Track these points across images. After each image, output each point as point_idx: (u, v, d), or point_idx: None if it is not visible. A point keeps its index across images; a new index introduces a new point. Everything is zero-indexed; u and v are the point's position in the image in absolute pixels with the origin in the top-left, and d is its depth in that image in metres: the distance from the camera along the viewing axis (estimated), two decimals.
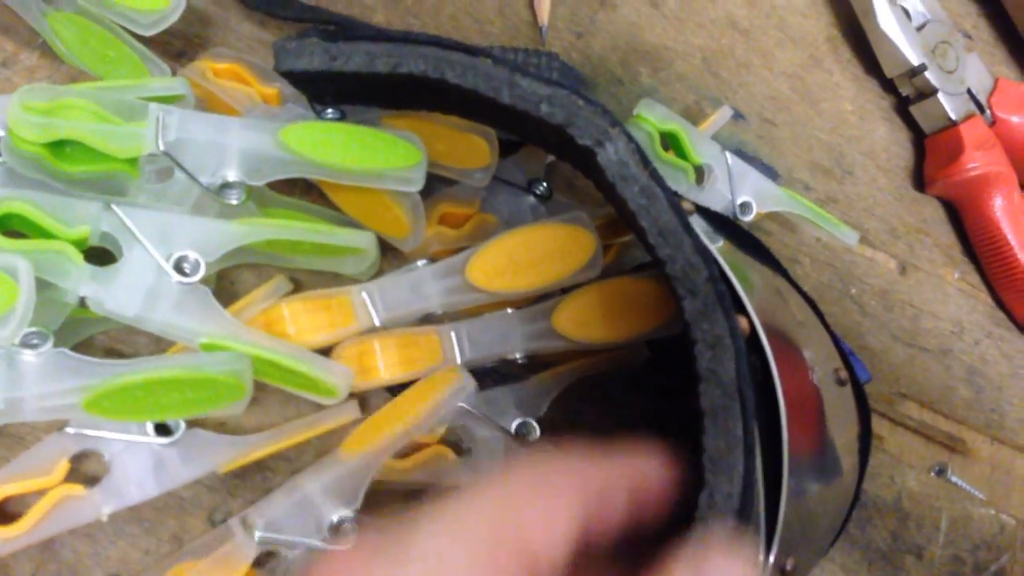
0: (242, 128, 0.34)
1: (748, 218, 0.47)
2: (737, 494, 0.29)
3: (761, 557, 0.35)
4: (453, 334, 0.37)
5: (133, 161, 0.33)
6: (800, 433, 0.38)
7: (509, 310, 0.38)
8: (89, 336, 0.35)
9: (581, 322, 0.37)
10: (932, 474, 0.49)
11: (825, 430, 0.42)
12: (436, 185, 0.40)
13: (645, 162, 0.33)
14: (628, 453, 0.27)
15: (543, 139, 0.37)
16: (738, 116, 0.54)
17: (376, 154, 0.34)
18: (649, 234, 0.32)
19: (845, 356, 0.46)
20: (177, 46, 0.42)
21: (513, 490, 0.24)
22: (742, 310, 0.38)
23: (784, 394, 0.37)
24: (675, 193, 0.34)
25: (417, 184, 0.35)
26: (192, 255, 0.33)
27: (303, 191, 0.39)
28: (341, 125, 0.35)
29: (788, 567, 0.36)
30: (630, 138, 0.33)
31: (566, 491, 0.24)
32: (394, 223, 0.37)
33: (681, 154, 0.46)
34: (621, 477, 0.26)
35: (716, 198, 0.47)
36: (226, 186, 0.34)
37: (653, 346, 0.41)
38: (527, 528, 0.23)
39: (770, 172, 0.54)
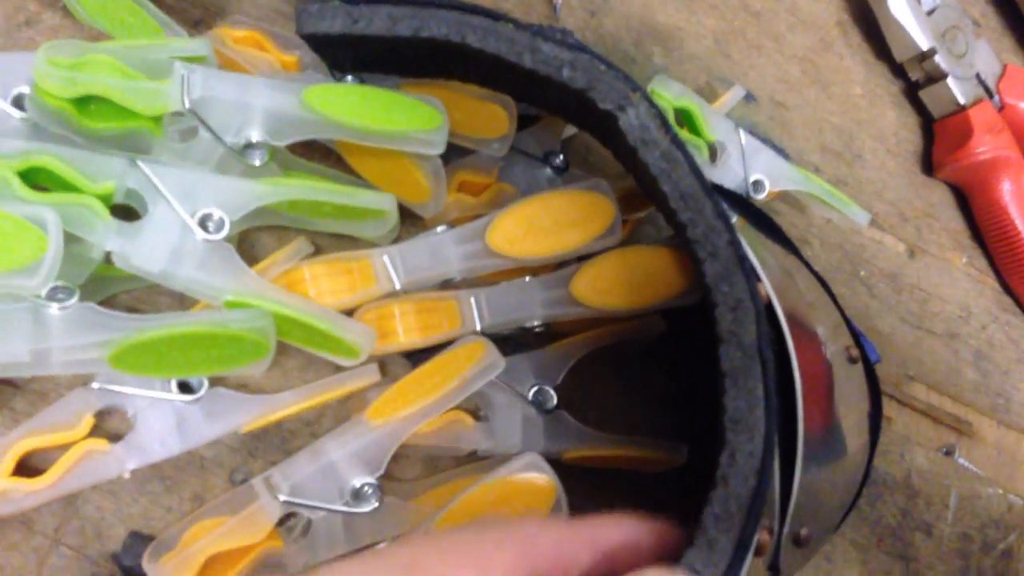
0: (266, 88, 0.34)
1: (760, 196, 0.48)
2: (759, 453, 0.29)
3: (776, 526, 0.35)
4: (472, 299, 0.37)
5: (157, 119, 0.33)
6: (810, 409, 0.39)
7: (527, 277, 0.38)
8: (112, 295, 0.35)
9: (599, 289, 0.37)
10: (941, 453, 0.50)
11: (833, 408, 0.42)
12: (454, 154, 0.40)
13: (666, 127, 0.33)
14: (592, 522, 0.27)
15: (562, 106, 0.37)
16: (749, 98, 0.54)
17: (399, 116, 0.34)
18: (671, 198, 0.32)
19: (856, 335, 0.47)
20: (195, 14, 0.42)
21: (442, 542, 0.24)
22: (759, 281, 0.38)
23: (798, 366, 0.37)
24: None
25: (439, 147, 0.35)
26: (217, 213, 0.33)
27: (322, 157, 0.39)
28: (364, 88, 0.35)
29: (803, 535, 0.36)
30: (651, 103, 0.33)
31: (509, 548, 0.24)
32: (415, 188, 0.37)
33: (695, 131, 0.46)
34: (581, 539, 0.25)
35: (729, 176, 0.47)
36: (249, 146, 0.34)
37: (669, 318, 0.41)
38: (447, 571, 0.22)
39: (781, 153, 0.54)
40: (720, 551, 0.26)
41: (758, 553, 0.30)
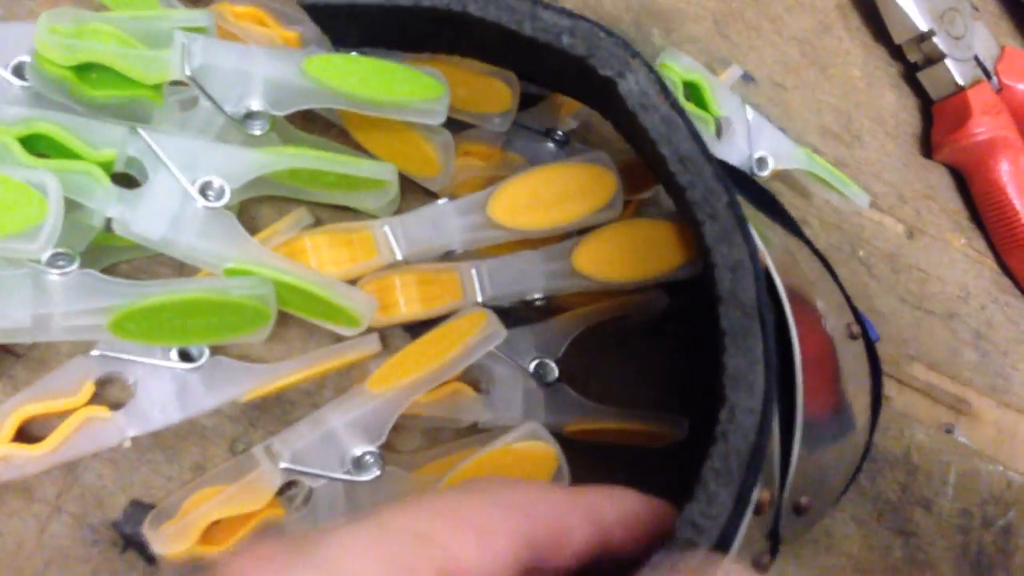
0: (267, 57, 0.34)
1: (764, 173, 0.48)
2: (758, 409, 0.29)
3: (776, 493, 0.35)
4: (474, 271, 0.37)
5: (157, 88, 0.33)
6: (815, 381, 0.39)
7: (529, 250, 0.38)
8: (112, 265, 0.35)
9: (601, 261, 0.37)
10: (941, 431, 0.50)
11: (841, 384, 0.42)
12: (457, 129, 0.40)
13: (666, 92, 0.33)
14: (592, 492, 0.26)
15: (562, 76, 0.37)
16: (748, 78, 0.54)
17: (399, 86, 0.34)
18: (670, 161, 0.32)
19: (857, 312, 0.47)
20: None
21: (449, 505, 0.23)
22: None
23: (798, 340, 0.37)
24: None
25: (440, 116, 0.35)
26: (217, 181, 0.33)
27: (322, 131, 0.39)
28: (365, 58, 0.35)
29: (803, 503, 0.36)
30: (650, 69, 0.33)
31: (511, 515, 0.23)
32: (423, 162, 0.37)
33: (702, 105, 0.46)
34: (580, 510, 0.25)
35: (734, 152, 0.47)
36: (250, 116, 0.34)
37: (672, 294, 0.41)
38: (455, 548, 0.22)
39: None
40: (720, 505, 0.26)
41: (758, 511, 0.30)
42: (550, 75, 0.38)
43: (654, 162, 0.34)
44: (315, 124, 0.39)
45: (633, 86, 0.32)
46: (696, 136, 0.32)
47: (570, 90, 0.39)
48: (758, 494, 0.28)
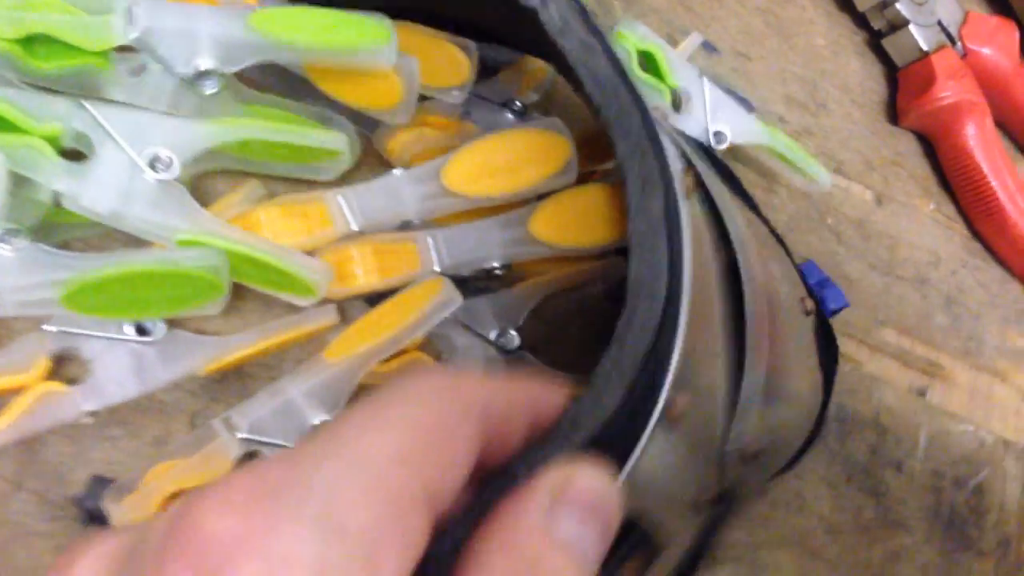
0: (212, 14, 0.33)
1: (722, 147, 0.48)
2: (657, 314, 0.28)
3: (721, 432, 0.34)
4: (430, 240, 0.37)
5: (105, 54, 0.33)
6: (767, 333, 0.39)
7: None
8: (63, 241, 0.34)
9: (558, 227, 0.37)
10: (912, 393, 0.50)
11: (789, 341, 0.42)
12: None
13: (586, 21, 0.33)
14: (535, 383, 0.25)
15: (501, 22, 0.37)
16: (711, 48, 0.54)
17: (346, 32, 0.34)
18: (586, 84, 0.32)
19: (811, 290, 0.47)
20: None
21: (421, 418, 0.21)
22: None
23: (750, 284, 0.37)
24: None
25: (389, 60, 0.35)
26: (165, 153, 0.32)
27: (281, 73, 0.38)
28: (309, 9, 0.35)
29: (749, 451, 0.36)
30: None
31: (470, 415, 0.22)
32: (384, 90, 0.36)
33: (658, 75, 0.46)
34: (522, 404, 0.24)
35: (692, 124, 0.47)
36: (200, 75, 0.34)
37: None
38: (432, 465, 0.20)
39: (745, 105, 0.54)
40: (603, 405, 0.24)
41: (672, 420, 0.28)
42: (494, 24, 0.38)
43: (577, 88, 0.34)
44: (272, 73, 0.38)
45: (554, 13, 0.32)
46: (615, 61, 0.32)
47: (502, 37, 0.39)
48: (671, 402, 0.27)
